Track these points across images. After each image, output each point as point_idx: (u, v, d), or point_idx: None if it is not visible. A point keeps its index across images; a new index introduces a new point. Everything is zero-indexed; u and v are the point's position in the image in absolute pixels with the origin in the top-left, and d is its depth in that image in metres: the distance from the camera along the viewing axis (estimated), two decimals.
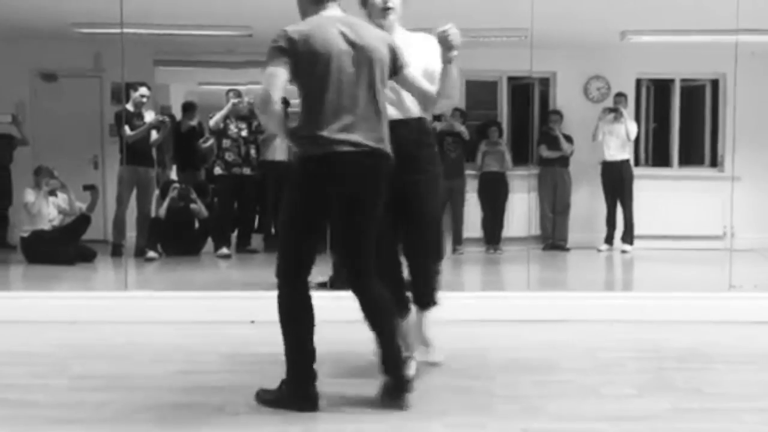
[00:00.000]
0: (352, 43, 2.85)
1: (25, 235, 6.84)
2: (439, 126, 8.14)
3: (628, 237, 8.05)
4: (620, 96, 8.24)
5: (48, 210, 6.90)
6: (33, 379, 3.27)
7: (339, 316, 3.35)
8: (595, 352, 3.82)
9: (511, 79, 8.71)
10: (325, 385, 2.98)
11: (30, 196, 6.83)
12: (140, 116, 7.01)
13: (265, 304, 4.51)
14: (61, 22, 7.03)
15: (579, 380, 3.32)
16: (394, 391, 2.88)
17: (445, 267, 7.78)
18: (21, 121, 7.81)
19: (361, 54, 2.84)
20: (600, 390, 3.16)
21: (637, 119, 8.59)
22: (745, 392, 3.18)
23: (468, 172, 8.14)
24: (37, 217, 6.86)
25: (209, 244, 7.34)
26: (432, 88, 3.15)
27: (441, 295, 3.46)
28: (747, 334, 4.29)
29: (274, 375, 3.31)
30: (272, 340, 3.79)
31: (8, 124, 7.72)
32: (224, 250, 7.12)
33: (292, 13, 5.80)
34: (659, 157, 9.01)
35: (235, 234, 7.52)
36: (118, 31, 5.24)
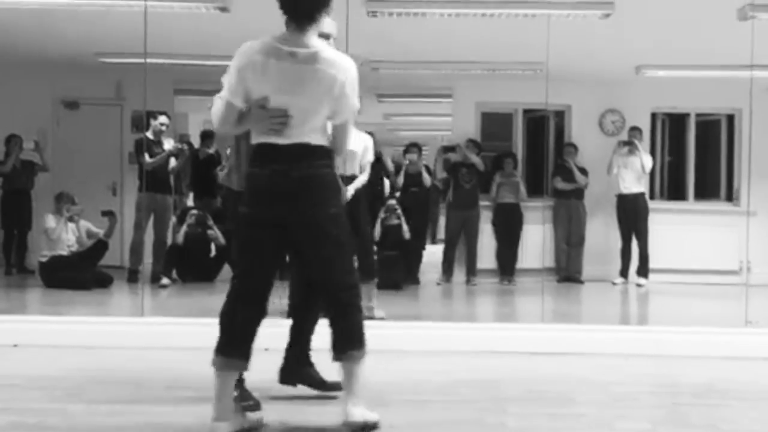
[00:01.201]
0: None
1: (44, 259, 6.92)
2: (453, 157, 8.20)
3: (643, 270, 8.01)
4: (635, 129, 8.26)
5: (67, 236, 6.99)
6: (50, 403, 3.30)
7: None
8: (609, 386, 3.80)
9: (526, 111, 8.76)
10: (337, 413, 2.99)
11: (51, 221, 6.92)
12: (159, 144, 7.12)
13: (279, 331, 4.55)
14: (85, 52, 7.18)
15: (593, 414, 3.30)
16: None
17: (459, 298, 7.77)
18: (43, 148, 7.94)
19: None
20: (614, 424, 3.14)
21: (653, 153, 8.60)
22: (760, 429, 3.16)
23: (483, 203, 8.17)
24: (57, 243, 6.94)
25: (225, 270, 7.38)
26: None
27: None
28: (763, 370, 4.25)
29: (285, 401, 3.33)
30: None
31: (31, 150, 7.85)
32: None
33: None
34: (674, 191, 8.99)
35: None
36: (141, 60, 5.34)
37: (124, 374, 3.82)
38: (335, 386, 3.23)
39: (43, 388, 3.51)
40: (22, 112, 7.76)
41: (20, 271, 7.74)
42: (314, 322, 3.37)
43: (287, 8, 2.81)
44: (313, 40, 2.83)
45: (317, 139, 2.83)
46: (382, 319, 5.03)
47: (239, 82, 2.80)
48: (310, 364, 3.40)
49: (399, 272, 7.29)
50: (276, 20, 3.08)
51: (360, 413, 2.88)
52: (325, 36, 3.16)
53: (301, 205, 2.79)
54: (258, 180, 2.82)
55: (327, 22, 3.15)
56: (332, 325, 2.93)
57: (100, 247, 7.16)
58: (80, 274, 6.70)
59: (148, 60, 5.38)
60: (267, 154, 2.81)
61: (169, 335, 4.49)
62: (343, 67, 2.82)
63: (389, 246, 7.32)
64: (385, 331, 4.66)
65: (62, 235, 6.95)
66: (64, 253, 6.94)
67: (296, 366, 3.37)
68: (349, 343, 2.89)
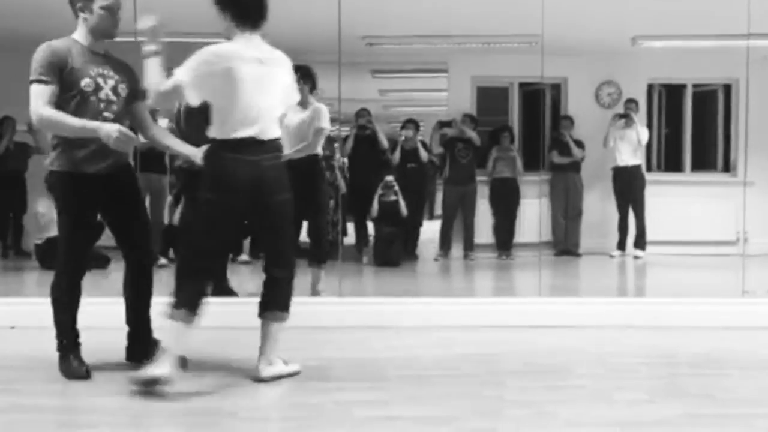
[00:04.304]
0: None
1: (39, 242, 6.91)
2: (449, 132, 8.17)
3: (641, 243, 8.02)
4: (631, 102, 8.24)
5: None
6: (48, 384, 3.31)
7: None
8: (607, 358, 3.82)
9: (522, 85, 8.71)
10: (337, 389, 3.00)
11: (41, 206, 6.92)
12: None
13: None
14: None
15: (591, 386, 3.32)
16: None
17: (457, 273, 7.79)
18: (37, 130, 7.88)
19: None
20: (612, 395, 3.16)
21: (649, 125, 8.57)
22: (758, 398, 3.17)
23: (479, 178, 8.15)
24: (50, 225, 6.92)
25: None
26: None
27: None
28: (760, 339, 4.27)
29: (286, 379, 3.34)
30: (284, 345, 3.82)
31: (25, 132, 7.80)
32: (244, 257, 7.16)
33: (303, 21, 5.86)
34: (671, 163, 8.98)
35: (248, 240, 7.55)
36: (131, 39, 5.28)
37: (122, 354, 3.82)
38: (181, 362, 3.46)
39: (41, 369, 3.51)
40: (15, 94, 7.67)
41: (17, 254, 7.74)
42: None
43: None
44: None
45: None
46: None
47: None
48: (154, 342, 3.55)
49: (397, 249, 7.29)
50: None
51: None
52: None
53: None
54: None
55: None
56: None
57: (96, 228, 7.13)
58: None
59: (140, 38, 5.31)
60: None
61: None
62: None
63: (387, 222, 7.31)
64: (384, 307, 4.68)
65: (54, 217, 6.93)
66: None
67: (139, 345, 3.59)
68: None
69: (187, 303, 3.18)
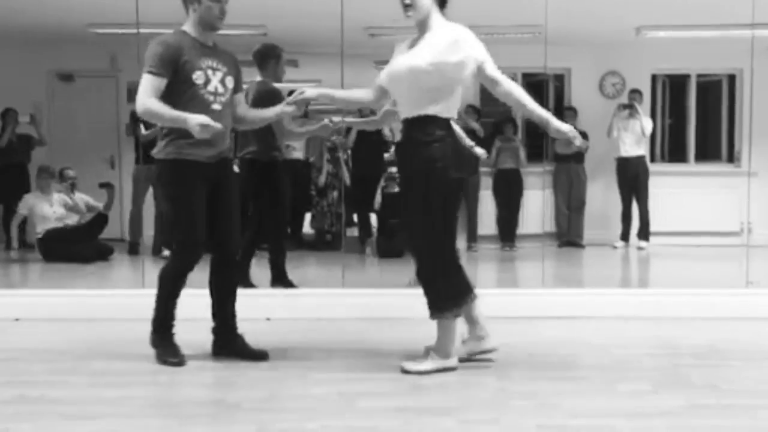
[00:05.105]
0: None
1: (40, 235, 6.91)
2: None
3: (644, 233, 8.01)
4: (635, 92, 8.21)
5: (52, 209, 6.96)
6: (52, 375, 3.31)
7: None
8: (610, 349, 3.81)
9: (525, 75, 8.67)
10: (340, 381, 3.00)
11: (21, 208, 6.95)
12: None
13: (281, 301, 4.58)
14: (78, 24, 7.09)
15: (594, 377, 3.32)
16: None
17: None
18: (39, 121, 7.90)
19: None
20: (615, 386, 3.16)
21: (653, 115, 8.54)
22: (761, 389, 3.17)
23: (482, 169, 8.14)
24: (41, 221, 6.93)
25: None
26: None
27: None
28: (764, 330, 4.26)
29: (289, 371, 3.35)
30: (287, 337, 3.84)
31: (27, 123, 7.81)
32: None
33: (306, 12, 5.84)
34: (675, 153, 8.95)
35: None
36: (134, 31, 5.27)
37: (127, 346, 3.83)
38: (261, 355, 3.49)
39: (45, 361, 3.53)
40: (17, 86, 7.69)
41: (21, 246, 7.74)
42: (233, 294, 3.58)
43: None
44: None
45: None
46: None
47: None
48: (237, 336, 3.57)
49: (400, 240, 7.29)
50: None
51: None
52: None
53: None
54: None
55: None
56: None
57: (99, 220, 7.14)
58: (80, 248, 6.70)
59: (141, 30, 5.31)
60: None
61: None
62: None
63: (390, 214, 7.31)
64: (387, 298, 4.68)
65: (45, 210, 6.93)
66: (58, 225, 6.93)
67: (224, 339, 3.57)
68: None
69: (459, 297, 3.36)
